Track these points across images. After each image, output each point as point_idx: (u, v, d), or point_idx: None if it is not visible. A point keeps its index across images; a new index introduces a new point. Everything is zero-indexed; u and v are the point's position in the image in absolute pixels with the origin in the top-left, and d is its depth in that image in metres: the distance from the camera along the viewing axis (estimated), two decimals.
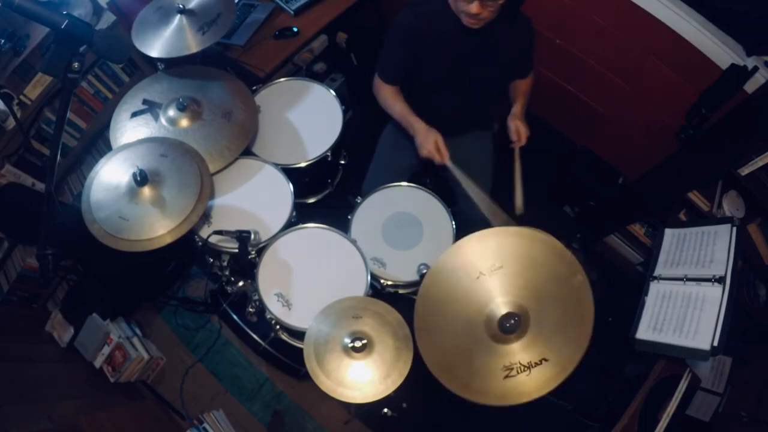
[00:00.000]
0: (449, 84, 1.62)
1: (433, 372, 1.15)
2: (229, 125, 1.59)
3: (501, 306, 1.15)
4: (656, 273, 1.54)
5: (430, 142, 1.55)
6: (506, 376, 1.12)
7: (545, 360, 1.12)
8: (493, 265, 1.17)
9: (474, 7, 1.34)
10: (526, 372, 1.12)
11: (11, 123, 1.81)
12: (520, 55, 1.65)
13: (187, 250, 1.67)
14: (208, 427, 1.77)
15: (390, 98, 1.66)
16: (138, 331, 2.13)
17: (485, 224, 1.74)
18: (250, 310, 1.64)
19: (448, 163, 1.56)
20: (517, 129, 1.62)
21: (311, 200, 1.87)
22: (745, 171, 1.68)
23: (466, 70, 1.57)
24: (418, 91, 1.68)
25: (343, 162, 1.87)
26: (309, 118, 1.77)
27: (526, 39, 1.62)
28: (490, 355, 1.14)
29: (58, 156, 1.20)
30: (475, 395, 1.14)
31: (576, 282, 1.14)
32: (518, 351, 1.14)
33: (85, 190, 1.39)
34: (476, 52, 1.53)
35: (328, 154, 1.69)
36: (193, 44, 1.60)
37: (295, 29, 2.04)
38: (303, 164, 1.67)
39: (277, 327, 1.53)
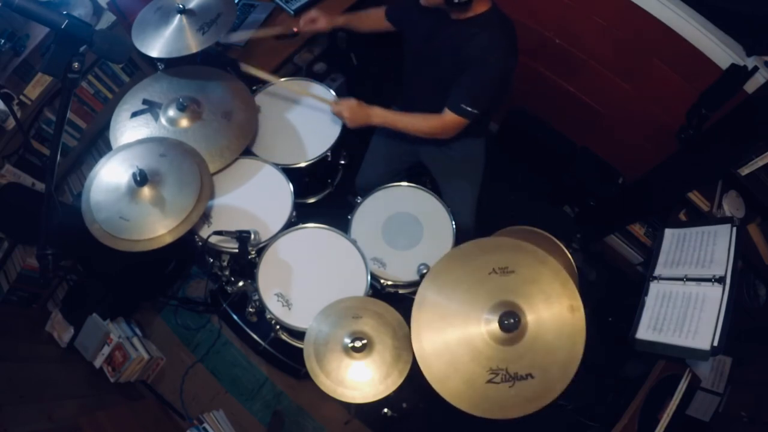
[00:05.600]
0: (424, 66, 1.60)
1: (417, 357, 1.16)
2: (229, 125, 1.59)
3: (505, 304, 1.15)
4: (656, 273, 1.54)
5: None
6: (489, 381, 1.11)
7: (531, 376, 1.10)
8: (506, 267, 1.18)
9: None
10: (510, 383, 1.10)
11: (11, 123, 1.81)
12: (460, 75, 1.46)
13: (187, 250, 1.67)
14: (208, 427, 1.77)
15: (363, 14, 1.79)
16: (138, 331, 2.13)
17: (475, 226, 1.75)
18: (250, 310, 1.64)
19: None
20: (339, 111, 1.63)
21: (311, 200, 1.86)
22: (745, 171, 1.68)
23: (432, 60, 1.55)
24: (405, 68, 1.69)
25: (343, 162, 1.87)
26: (309, 118, 1.77)
27: (479, 65, 1.41)
28: (481, 350, 1.14)
29: (58, 156, 1.20)
30: (450, 394, 1.11)
31: (573, 313, 1.14)
32: (509, 357, 1.12)
33: (85, 191, 1.39)
34: (442, 45, 1.49)
35: (328, 154, 1.69)
36: (193, 44, 1.59)
37: (295, 29, 2.03)
38: (303, 164, 1.67)
39: (277, 327, 1.53)
